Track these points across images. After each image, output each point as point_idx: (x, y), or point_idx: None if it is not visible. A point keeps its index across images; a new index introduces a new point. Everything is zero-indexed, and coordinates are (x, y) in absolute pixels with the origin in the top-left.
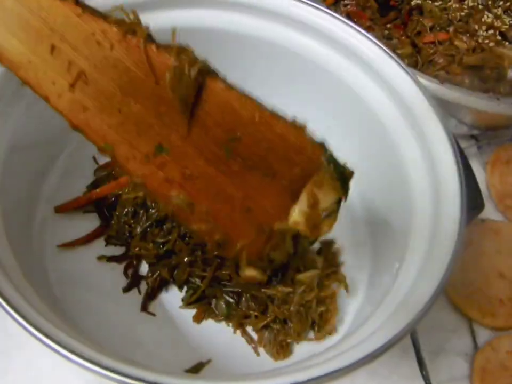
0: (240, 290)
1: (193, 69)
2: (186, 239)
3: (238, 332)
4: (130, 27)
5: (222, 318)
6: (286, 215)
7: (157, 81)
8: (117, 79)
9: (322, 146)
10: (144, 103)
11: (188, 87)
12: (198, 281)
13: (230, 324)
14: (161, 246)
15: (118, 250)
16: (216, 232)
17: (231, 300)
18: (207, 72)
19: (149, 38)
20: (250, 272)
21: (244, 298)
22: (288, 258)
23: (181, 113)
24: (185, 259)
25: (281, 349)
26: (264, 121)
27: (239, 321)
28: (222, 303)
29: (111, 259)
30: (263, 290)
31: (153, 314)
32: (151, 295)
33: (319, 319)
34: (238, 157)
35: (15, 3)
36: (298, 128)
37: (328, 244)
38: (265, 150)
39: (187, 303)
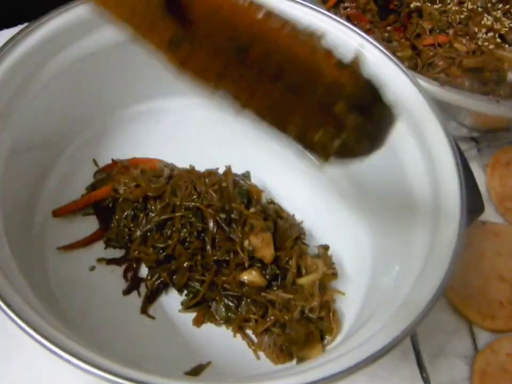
0: (239, 294)
1: None
2: (186, 243)
3: (238, 335)
4: None
5: (222, 322)
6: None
7: None
8: None
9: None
10: None
11: None
12: (197, 285)
13: (230, 328)
14: (161, 251)
15: (117, 253)
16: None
17: (231, 304)
18: None
19: None
20: (249, 277)
21: (243, 302)
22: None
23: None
24: (185, 264)
25: (281, 353)
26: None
27: (238, 324)
28: (221, 306)
29: (110, 262)
30: (263, 294)
31: (153, 318)
32: (151, 298)
33: (321, 325)
34: (253, 67)
35: None
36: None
37: (325, 248)
38: (280, 63)
39: (186, 307)
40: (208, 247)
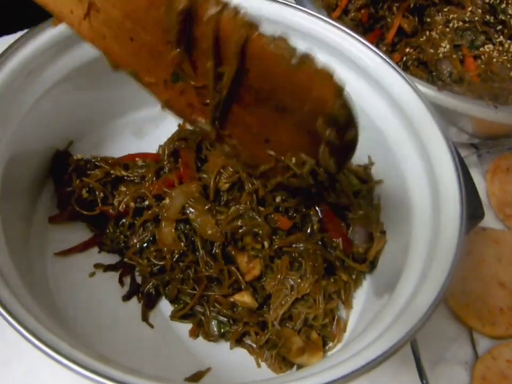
0: (230, 315)
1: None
2: (180, 263)
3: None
4: None
5: (216, 337)
6: (303, 149)
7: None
8: (123, 7)
9: (334, 85)
10: (151, 32)
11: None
12: (187, 298)
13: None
14: (153, 266)
15: (115, 258)
16: (241, 154)
17: (224, 319)
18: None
19: None
20: (241, 298)
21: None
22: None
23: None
24: (177, 276)
25: (283, 362)
26: (269, 56)
27: (236, 339)
28: (213, 324)
29: (108, 268)
30: (254, 315)
31: (152, 326)
32: (149, 305)
33: (324, 332)
34: (251, 89)
35: None
36: (307, 65)
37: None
38: (273, 84)
39: (174, 316)
40: (201, 264)
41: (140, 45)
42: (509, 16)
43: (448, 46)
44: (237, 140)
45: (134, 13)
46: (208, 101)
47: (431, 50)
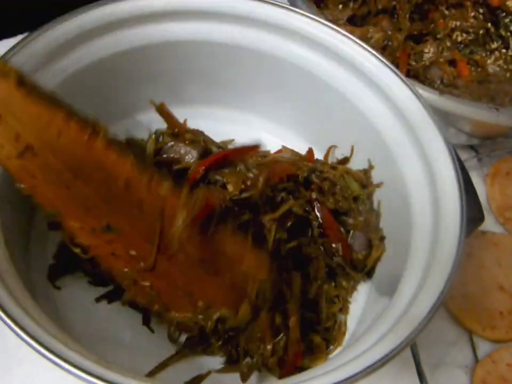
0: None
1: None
2: None
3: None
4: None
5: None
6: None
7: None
8: (67, 161)
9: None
10: (93, 188)
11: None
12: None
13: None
14: None
15: None
16: (156, 303)
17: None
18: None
19: (108, 141)
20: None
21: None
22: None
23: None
24: None
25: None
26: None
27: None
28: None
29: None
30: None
31: (152, 331)
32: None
33: (327, 335)
34: (187, 254)
35: None
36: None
37: None
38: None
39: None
40: None
41: (74, 194)
42: (509, 33)
43: (431, 50)
44: (156, 289)
45: (78, 169)
46: (134, 252)
47: (414, 63)
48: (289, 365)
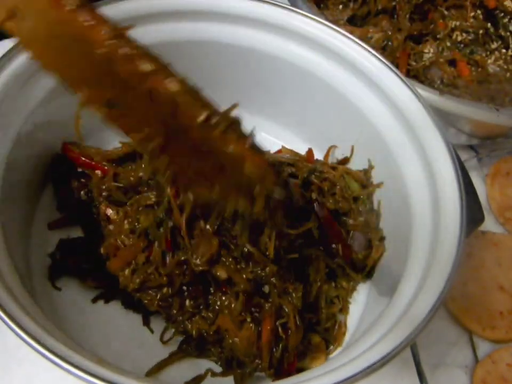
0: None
1: None
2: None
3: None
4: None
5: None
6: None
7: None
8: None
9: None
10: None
11: None
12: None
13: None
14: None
15: None
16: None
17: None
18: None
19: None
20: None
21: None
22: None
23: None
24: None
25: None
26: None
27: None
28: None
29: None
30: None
31: (152, 331)
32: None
33: (327, 335)
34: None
35: None
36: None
37: None
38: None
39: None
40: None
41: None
42: (508, 33)
43: (431, 50)
44: (172, 170)
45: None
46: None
47: (413, 63)
48: (284, 373)
